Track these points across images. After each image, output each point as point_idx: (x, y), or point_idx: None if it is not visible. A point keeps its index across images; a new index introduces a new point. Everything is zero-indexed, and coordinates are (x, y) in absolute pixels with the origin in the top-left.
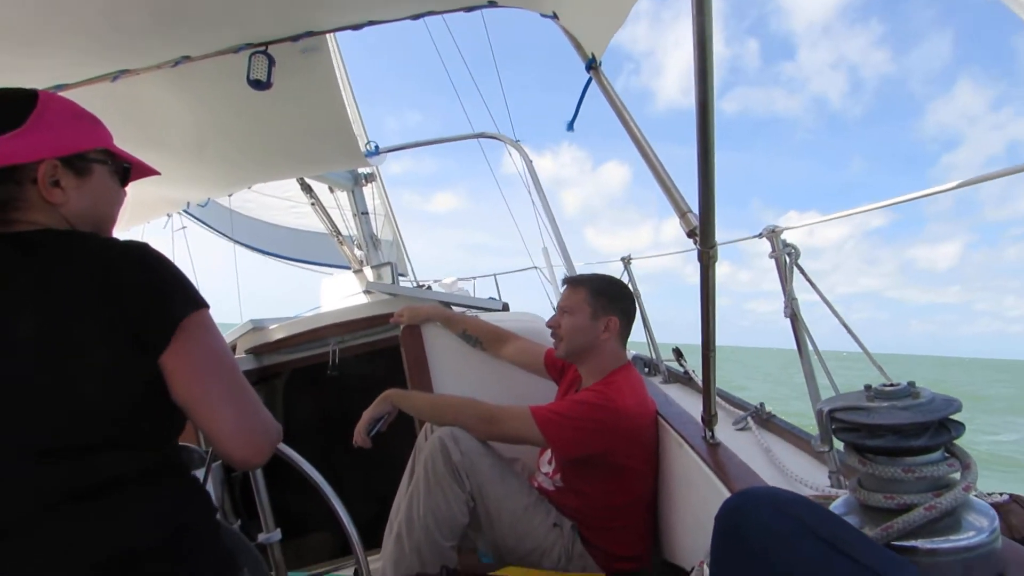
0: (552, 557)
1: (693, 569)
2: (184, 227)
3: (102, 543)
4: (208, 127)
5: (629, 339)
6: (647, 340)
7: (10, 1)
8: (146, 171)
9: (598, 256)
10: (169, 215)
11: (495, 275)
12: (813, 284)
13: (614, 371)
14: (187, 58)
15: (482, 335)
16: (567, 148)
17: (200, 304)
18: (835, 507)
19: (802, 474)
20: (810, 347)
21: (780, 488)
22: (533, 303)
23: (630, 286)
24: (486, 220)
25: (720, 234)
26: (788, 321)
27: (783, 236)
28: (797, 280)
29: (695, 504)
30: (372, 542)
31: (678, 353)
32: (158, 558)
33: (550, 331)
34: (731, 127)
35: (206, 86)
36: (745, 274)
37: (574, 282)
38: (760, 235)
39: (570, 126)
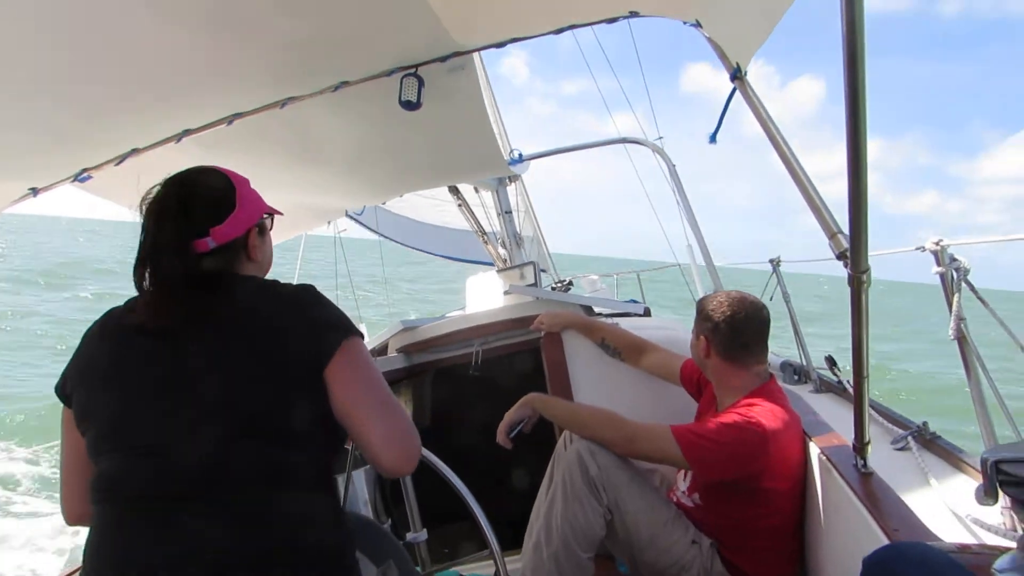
0: (690, 574)
1: None
2: (345, 230)
3: (273, 530)
4: (364, 144)
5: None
6: (797, 345)
7: (193, 45)
8: (274, 213)
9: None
10: (329, 222)
11: (638, 272)
12: (985, 303)
13: (754, 390)
14: (345, 83)
15: (621, 345)
16: (753, 64)
17: (357, 332)
18: (1000, 565)
19: (969, 510)
20: (980, 374)
21: (931, 546)
22: (676, 305)
23: (779, 289)
24: (631, 214)
25: (913, 180)
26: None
27: (950, 250)
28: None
29: (843, 537)
30: (514, 540)
31: (831, 361)
32: (319, 551)
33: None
34: (949, 34)
35: (362, 108)
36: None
37: None
38: (923, 248)
39: (712, 138)
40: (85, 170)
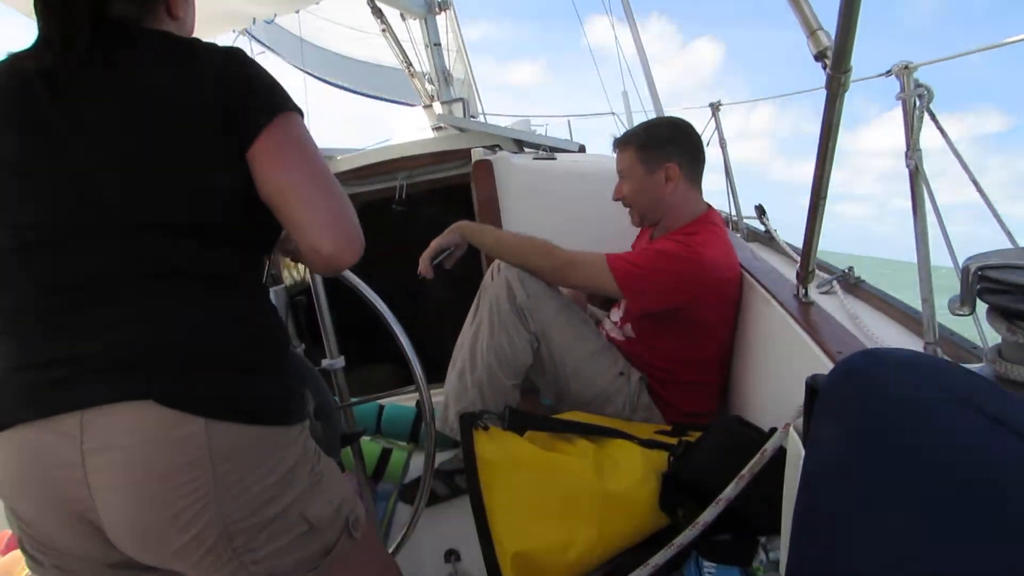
0: (616, 405)
1: (774, 431)
2: (263, 52)
3: (179, 325)
4: None
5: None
6: (728, 194)
7: None
8: None
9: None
10: (235, 32)
11: (568, 117)
12: (945, 134)
13: (696, 219)
14: None
15: None
16: (656, 20)
17: (296, 107)
18: None
19: (894, 344)
20: (928, 205)
21: (917, 351)
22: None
23: (716, 135)
24: (563, 60)
25: (799, 148)
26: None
27: (916, 74)
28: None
29: (781, 364)
30: (433, 377)
31: (760, 210)
32: (230, 356)
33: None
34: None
35: None
36: None
37: (620, 143)
38: (889, 72)
39: None
40: None
